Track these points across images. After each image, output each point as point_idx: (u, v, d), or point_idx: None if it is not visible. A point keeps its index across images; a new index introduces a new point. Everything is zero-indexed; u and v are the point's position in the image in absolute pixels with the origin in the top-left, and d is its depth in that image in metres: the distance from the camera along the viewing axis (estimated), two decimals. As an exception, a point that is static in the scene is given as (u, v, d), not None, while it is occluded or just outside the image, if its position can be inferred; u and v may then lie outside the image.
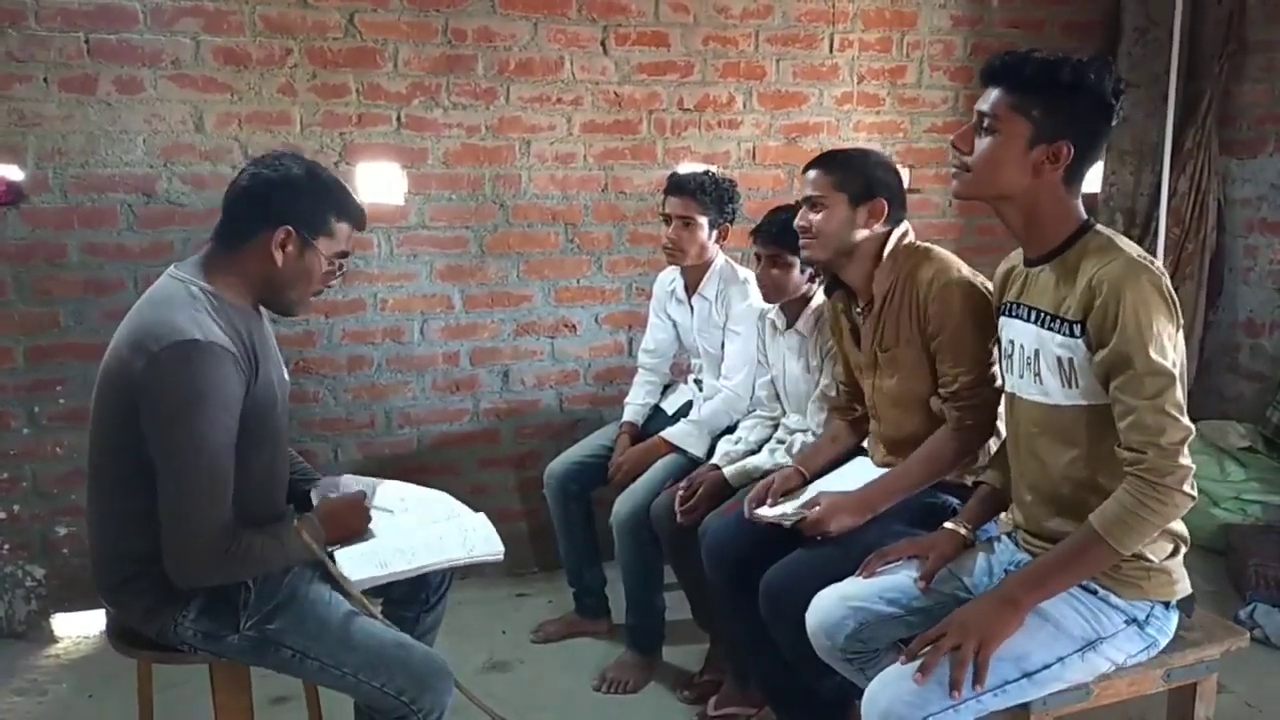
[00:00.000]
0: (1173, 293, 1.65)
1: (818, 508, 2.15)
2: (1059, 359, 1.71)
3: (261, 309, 1.94)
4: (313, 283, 1.88)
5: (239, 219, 1.84)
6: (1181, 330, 1.67)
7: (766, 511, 2.27)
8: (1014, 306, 1.84)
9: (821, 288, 2.61)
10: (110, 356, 1.79)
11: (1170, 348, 1.62)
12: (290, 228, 1.80)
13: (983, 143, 1.73)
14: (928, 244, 2.21)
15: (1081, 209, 1.77)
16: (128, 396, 1.71)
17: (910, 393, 2.18)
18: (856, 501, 2.16)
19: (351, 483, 2.17)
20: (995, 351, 2.05)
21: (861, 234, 2.17)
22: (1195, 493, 1.62)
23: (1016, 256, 1.91)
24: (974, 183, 1.76)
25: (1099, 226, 1.76)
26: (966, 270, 2.14)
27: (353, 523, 1.99)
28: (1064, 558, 1.69)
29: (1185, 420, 1.61)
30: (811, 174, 2.22)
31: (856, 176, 2.17)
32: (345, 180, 3.15)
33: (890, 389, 2.21)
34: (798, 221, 2.23)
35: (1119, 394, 1.62)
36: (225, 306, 1.80)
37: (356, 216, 1.91)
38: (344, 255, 1.91)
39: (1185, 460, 1.60)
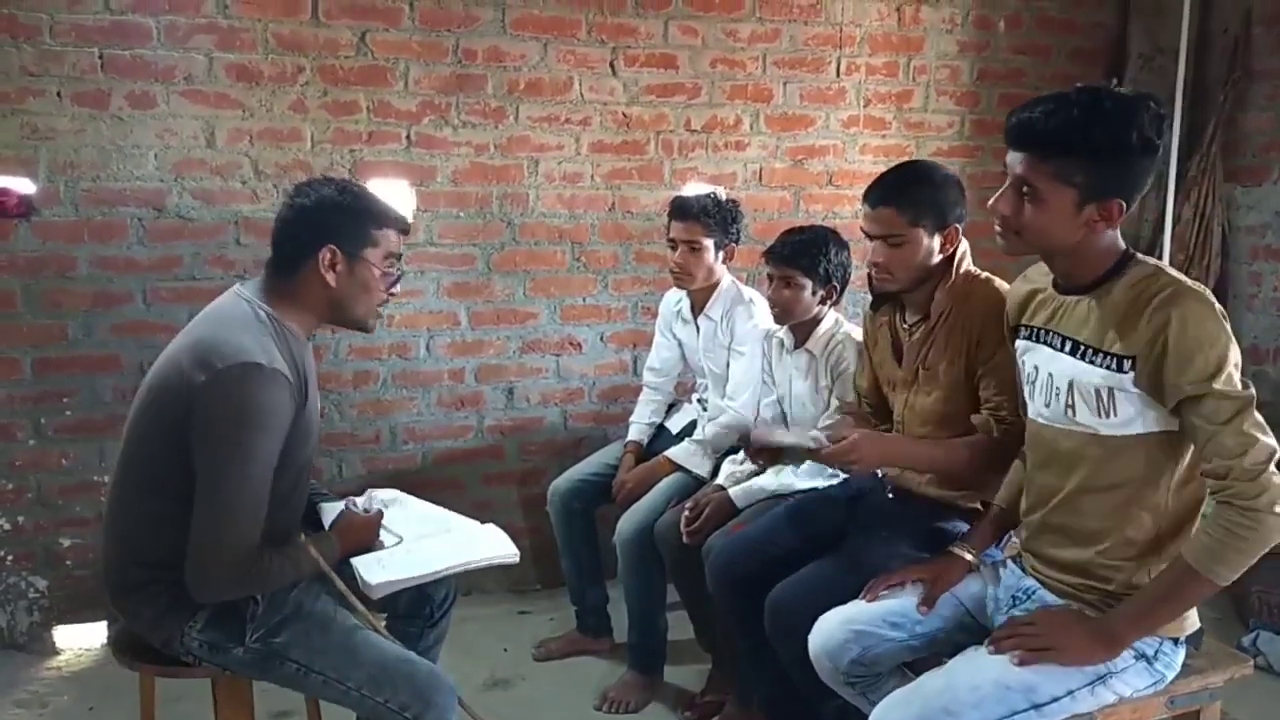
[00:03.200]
0: (1224, 311, 1.61)
1: (846, 439, 2.04)
2: (1097, 390, 1.67)
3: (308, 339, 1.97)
4: (373, 293, 1.92)
5: (286, 250, 1.89)
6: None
7: (784, 436, 2.19)
8: (1041, 332, 1.80)
9: (831, 308, 2.63)
10: (167, 364, 1.81)
11: (1236, 370, 1.58)
12: (334, 246, 1.85)
13: (1029, 210, 1.66)
14: (988, 274, 2.17)
15: (1121, 240, 1.72)
16: (181, 407, 1.73)
17: (941, 413, 2.15)
18: (882, 445, 2.12)
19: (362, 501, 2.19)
20: None
21: (937, 259, 2.11)
22: None
23: (1038, 278, 1.86)
24: (1026, 246, 1.71)
25: (1139, 255, 1.71)
26: None
27: (364, 536, 2.02)
28: (1161, 593, 1.65)
29: (1268, 438, 1.55)
30: (884, 211, 2.09)
31: (931, 210, 2.08)
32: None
33: (923, 406, 2.17)
34: (871, 258, 2.13)
35: (1197, 421, 1.57)
36: (286, 333, 1.85)
37: (397, 221, 1.95)
38: (396, 257, 1.95)
39: (1274, 479, 1.53)
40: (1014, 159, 1.68)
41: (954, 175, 2.18)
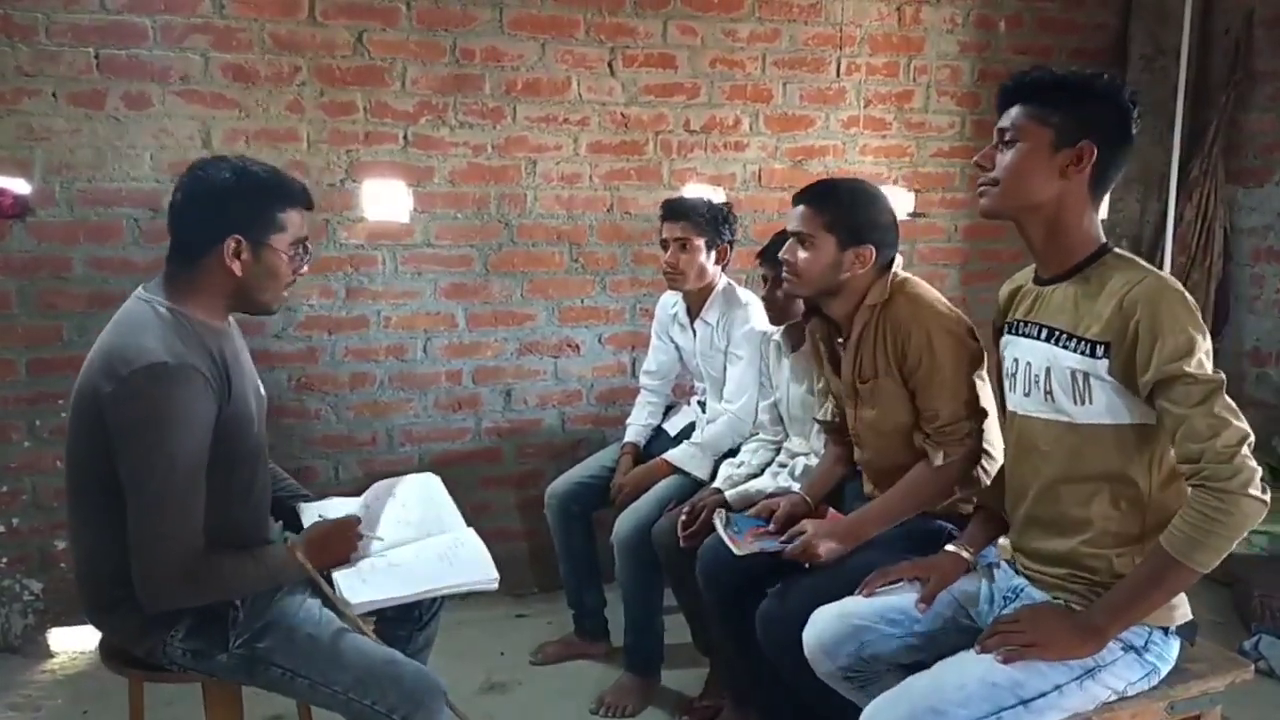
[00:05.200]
0: (1195, 304, 1.63)
1: (802, 535, 2.12)
2: (1072, 374, 1.69)
3: (232, 323, 1.92)
4: (281, 279, 1.85)
5: (186, 238, 1.81)
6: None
7: (749, 545, 2.22)
8: (1021, 325, 1.82)
9: None
10: (82, 379, 1.76)
11: (1208, 357, 1.59)
12: (238, 236, 1.77)
13: (1006, 155, 1.74)
14: (905, 275, 2.18)
15: (1101, 231, 1.77)
16: (98, 420, 1.69)
17: (891, 423, 2.16)
18: (844, 528, 2.15)
19: (339, 505, 2.14)
20: (979, 382, 2.07)
21: (846, 276, 2.12)
22: (1266, 496, 1.54)
23: (1021, 276, 1.90)
24: (1002, 194, 1.75)
25: (1117, 249, 1.75)
26: (943, 304, 2.12)
27: (338, 549, 1.93)
28: (1142, 584, 1.64)
29: (1240, 422, 1.56)
30: (801, 209, 2.16)
31: (847, 219, 2.11)
32: (351, 197, 3.23)
33: (871, 419, 2.20)
34: (783, 254, 2.18)
35: (1169, 406, 1.58)
36: (194, 325, 1.78)
37: (300, 199, 1.86)
38: (303, 240, 1.87)
39: (1247, 462, 1.54)
40: (1000, 119, 1.77)
41: (889, 205, 2.20)
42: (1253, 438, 1.57)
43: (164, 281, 1.82)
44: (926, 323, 2.06)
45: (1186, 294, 1.63)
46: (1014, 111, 1.74)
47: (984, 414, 2.09)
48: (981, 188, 1.79)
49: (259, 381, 1.99)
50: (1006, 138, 1.74)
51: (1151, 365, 1.59)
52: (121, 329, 1.75)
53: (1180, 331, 1.58)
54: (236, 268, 1.78)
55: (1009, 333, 1.87)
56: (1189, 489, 1.59)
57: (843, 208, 2.13)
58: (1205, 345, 1.60)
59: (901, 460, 2.17)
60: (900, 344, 2.08)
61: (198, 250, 1.79)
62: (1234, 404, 1.58)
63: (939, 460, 2.09)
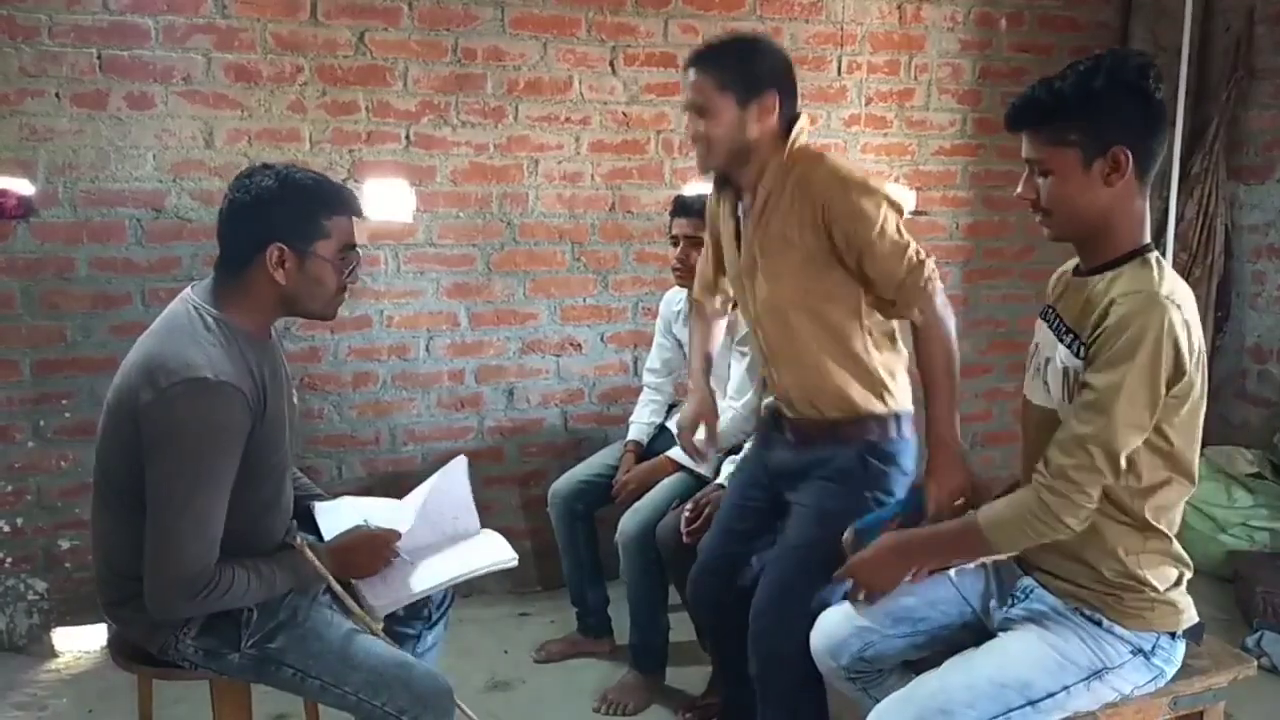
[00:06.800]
0: (1180, 344, 1.57)
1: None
2: (1064, 370, 1.69)
3: (274, 334, 1.91)
4: (328, 286, 1.83)
5: (230, 248, 1.80)
6: (1202, 366, 1.64)
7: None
8: (1050, 311, 1.81)
9: None
10: (121, 378, 1.76)
11: (1145, 401, 1.56)
12: (280, 245, 1.75)
13: (1045, 185, 1.68)
14: (822, 150, 2.09)
15: (1146, 231, 1.72)
16: (132, 424, 1.70)
17: (784, 298, 2.05)
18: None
19: (366, 506, 2.15)
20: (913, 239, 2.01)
21: (755, 132, 2.00)
22: (1079, 526, 1.63)
23: (1070, 263, 1.86)
24: (1060, 223, 1.70)
25: (1154, 255, 1.69)
26: (854, 166, 2.02)
27: (368, 563, 1.94)
28: (943, 537, 1.83)
29: (1107, 474, 1.59)
30: (691, 76, 2.01)
31: (740, 73, 1.98)
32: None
33: (766, 297, 2.07)
34: (686, 128, 2.06)
35: (1075, 409, 1.62)
36: (238, 337, 1.77)
37: (347, 206, 1.83)
38: (351, 247, 1.84)
39: (1085, 501, 1.60)
40: (1023, 146, 1.71)
41: (780, 50, 2.10)
42: (1100, 491, 1.62)
43: (213, 288, 1.81)
44: (848, 186, 1.95)
45: (1173, 324, 1.56)
46: (1031, 140, 1.68)
47: (929, 256, 2.00)
48: (1039, 219, 1.74)
49: (294, 392, 1.98)
50: (1036, 170, 1.69)
51: (1091, 369, 1.61)
52: (166, 335, 1.74)
53: (1127, 359, 1.55)
54: (281, 276, 1.77)
55: (1041, 316, 1.85)
56: (1034, 477, 1.65)
57: (730, 62, 2.00)
58: (1151, 383, 1.56)
59: (820, 376, 2.07)
60: (821, 209, 1.95)
61: (243, 260, 1.77)
62: (1122, 458, 1.59)
63: (919, 317, 2.00)
